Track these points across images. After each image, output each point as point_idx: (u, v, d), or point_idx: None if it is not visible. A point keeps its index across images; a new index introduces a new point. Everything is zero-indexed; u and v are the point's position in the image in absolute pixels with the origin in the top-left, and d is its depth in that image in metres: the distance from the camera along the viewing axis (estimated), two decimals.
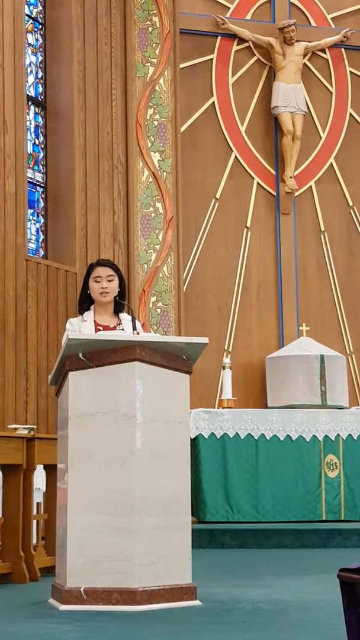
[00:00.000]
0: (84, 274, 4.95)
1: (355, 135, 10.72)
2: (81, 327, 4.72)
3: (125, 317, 4.87)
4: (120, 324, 4.81)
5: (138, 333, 4.58)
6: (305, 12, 10.74)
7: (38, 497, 6.17)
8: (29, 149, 9.20)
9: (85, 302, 4.85)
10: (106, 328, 4.74)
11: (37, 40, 9.57)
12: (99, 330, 4.71)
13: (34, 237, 9.30)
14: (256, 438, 8.50)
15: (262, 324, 10.26)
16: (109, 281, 4.79)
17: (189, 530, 4.42)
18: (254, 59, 10.58)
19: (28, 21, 9.32)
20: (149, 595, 4.20)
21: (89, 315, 4.81)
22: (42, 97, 9.56)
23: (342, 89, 10.76)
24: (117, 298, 4.85)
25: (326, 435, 8.63)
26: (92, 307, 4.84)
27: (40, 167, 9.46)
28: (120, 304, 4.85)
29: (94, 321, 4.78)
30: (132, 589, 4.19)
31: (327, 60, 10.75)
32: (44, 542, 6.09)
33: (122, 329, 4.76)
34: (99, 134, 9.51)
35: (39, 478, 6.16)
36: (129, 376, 4.34)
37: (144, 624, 3.88)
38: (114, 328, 4.76)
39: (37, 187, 9.40)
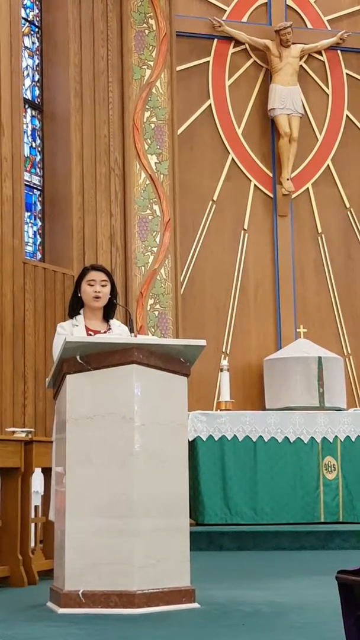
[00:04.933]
0: None
1: (352, 137, 10.73)
2: (73, 331, 4.72)
3: (114, 323, 4.87)
4: (110, 329, 4.81)
5: (136, 335, 4.58)
6: (302, 15, 10.75)
7: (36, 500, 6.16)
8: (26, 152, 9.20)
9: (76, 306, 4.85)
10: (96, 333, 4.75)
11: (33, 43, 9.57)
12: (90, 335, 4.70)
13: (31, 240, 9.30)
14: (254, 440, 8.50)
15: (259, 326, 10.27)
16: (102, 286, 4.79)
17: (187, 532, 4.42)
18: (251, 61, 10.59)
19: (24, 24, 9.33)
20: (148, 598, 4.19)
21: (79, 319, 4.81)
22: (38, 100, 9.57)
23: (338, 91, 10.77)
24: (115, 301, 4.86)
25: (324, 437, 8.62)
26: (81, 311, 4.83)
27: (37, 170, 9.46)
28: (109, 310, 4.85)
29: (85, 326, 4.78)
30: (130, 591, 4.18)
31: (324, 62, 10.77)
32: (42, 546, 6.08)
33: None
34: (96, 137, 9.51)
35: (37, 481, 6.15)
36: (127, 379, 4.34)
37: (143, 626, 3.87)
38: (104, 333, 4.76)
39: (34, 190, 9.40)
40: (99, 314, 4.85)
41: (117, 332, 4.78)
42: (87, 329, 4.77)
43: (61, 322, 4.90)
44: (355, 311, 10.53)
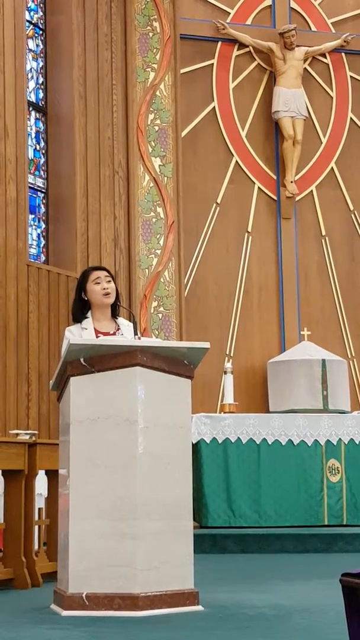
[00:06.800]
0: None
1: (355, 140, 10.73)
2: (82, 335, 4.70)
3: (123, 321, 4.86)
4: (119, 329, 4.80)
5: (140, 338, 4.57)
6: (306, 17, 10.76)
7: (40, 502, 6.16)
8: (30, 154, 9.21)
9: (83, 309, 4.81)
10: (106, 334, 4.73)
11: (37, 45, 9.59)
12: (99, 337, 4.69)
13: (35, 243, 9.31)
14: (258, 443, 8.49)
15: (263, 329, 10.26)
16: (108, 282, 4.79)
17: (191, 535, 4.41)
18: (255, 63, 10.59)
19: (29, 27, 9.34)
20: (151, 601, 4.19)
21: (87, 322, 4.79)
22: (42, 102, 9.58)
23: (342, 94, 10.77)
24: (118, 302, 4.86)
25: (328, 440, 8.61)
26: (88, 314, 4.81)
27: (41, 172, 9.47)
28: (115, 308, 4.84)
29: (94, 328, 4.76)
30: (134, 594, 4.18)
31: (328, 64, 10.77)
32: (46, 548, 6.08)
33: (122, 334, 4.75)
34: (100, 139, 9.52)
35: (41, 483, 6.15)
36: (130, 381, 4.34)
37: (146, 629, 3.87)
38: (114, 334, 4.75)
39: (38, 193, 9.41)
40: (108, 313, 4.83)
41: (127, 332, 4.77)
42: (97, 331, 4.74)
43: (69, 327, 4.88)
44: (359, 313, 10.52)
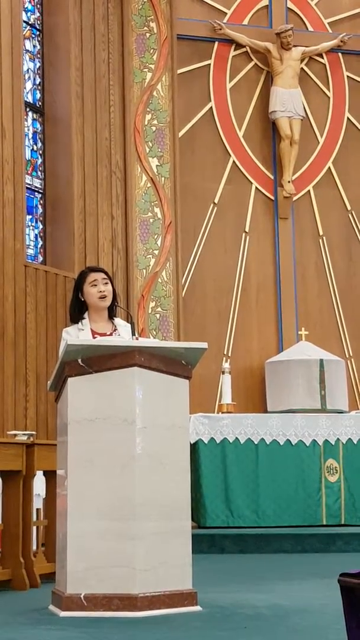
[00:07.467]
0: None
1: (353, 140, 10.74)
2: (79, 336, 4.70)
3: (120, 322, 4.86)
4: (115, 330, 4.80)
5: (137, 338, 4.57)
6: (302, 17, 10.76)
7: (38, 503, 6.16)
8: (27, 155, 9.20)
9: (80, 310, 4.81)
10: (103, 335, 4.73)
11: (34, 46, 9.58)
12: (96, 338, 4.69)
13: (32, 243, 9.30)
14: (256, 443, 8.49)
15: (261, 329, 10.26)
16: (105, 284, 4.78)
17: (189, 535, 4.41)
18: (252, 64, 10.59)
19: (26, 27, 9.34)
20: (150, 601, 4.19)
21: (84, 323, 4.78)
22: (40, 103, 9.57)
23: (339, 94, 10.77)
24: (116, 303, 4.85)
25: (326, 440, 8.62)
26: (85, 315, 4.81)
27: (39, 173, 9.47)
28: (112, 309, 4.83)
29: (91, 329, 4.76)
30: (132, 594, 4.18)
31: (325, 65, 10.77)
32: (44, 549, 6.08)
33: (119, 335, 4.75)
34: (97, 140, 9.52)
35: (39, 484, 6.15)
36: (128, 381, 4.34)
37: (145, 630, 3.87)
38: (111, 335, 4.75)
39: (36, 193, 9.40)
40: (105, 315, 4.83)
41: (124, 332, 4.77)
42: (93, 332, 4.74)
43: (66, 328, 4.87)
44: (357, 313, 10.53)
